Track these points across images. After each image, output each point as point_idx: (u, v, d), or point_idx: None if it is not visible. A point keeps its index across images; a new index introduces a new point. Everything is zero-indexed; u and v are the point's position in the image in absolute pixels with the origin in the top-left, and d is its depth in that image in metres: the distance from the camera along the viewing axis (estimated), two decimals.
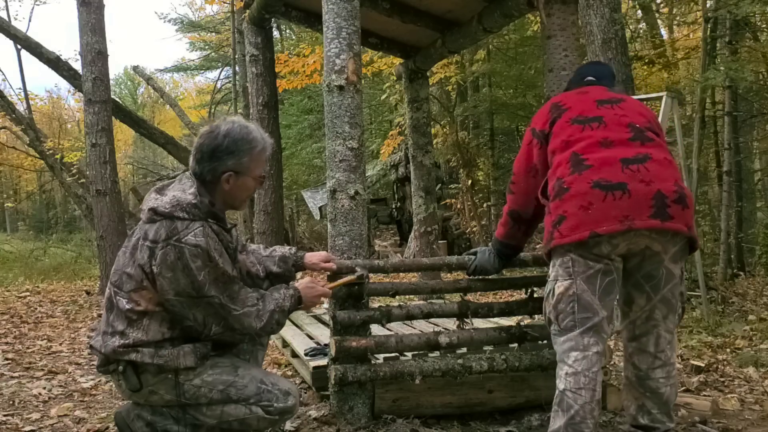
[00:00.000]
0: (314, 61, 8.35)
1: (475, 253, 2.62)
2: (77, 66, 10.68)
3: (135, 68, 19.64)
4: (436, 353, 2.62)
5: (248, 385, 1.99)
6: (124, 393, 2.02)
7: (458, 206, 10.84)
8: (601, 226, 1.95)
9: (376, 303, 2.81)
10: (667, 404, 2.15)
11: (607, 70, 2.53)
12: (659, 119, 3.11)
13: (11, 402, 3.03)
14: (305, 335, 3.65)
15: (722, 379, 3.34)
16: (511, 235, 2.43)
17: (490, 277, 2.64)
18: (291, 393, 2.05)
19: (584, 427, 1.99)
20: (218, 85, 19.89)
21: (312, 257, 2.36)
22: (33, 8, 26.84)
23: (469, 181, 10.43)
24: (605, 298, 2.05)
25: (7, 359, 3.99)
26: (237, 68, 12.62)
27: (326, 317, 3.78)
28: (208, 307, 1.90)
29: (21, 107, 13.13)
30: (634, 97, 2.97)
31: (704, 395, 3.01)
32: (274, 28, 7.33)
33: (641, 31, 9.57)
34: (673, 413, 2.23)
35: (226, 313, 1.92)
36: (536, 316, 3.55)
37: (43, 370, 3.73)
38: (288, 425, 2.58)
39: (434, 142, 8.78)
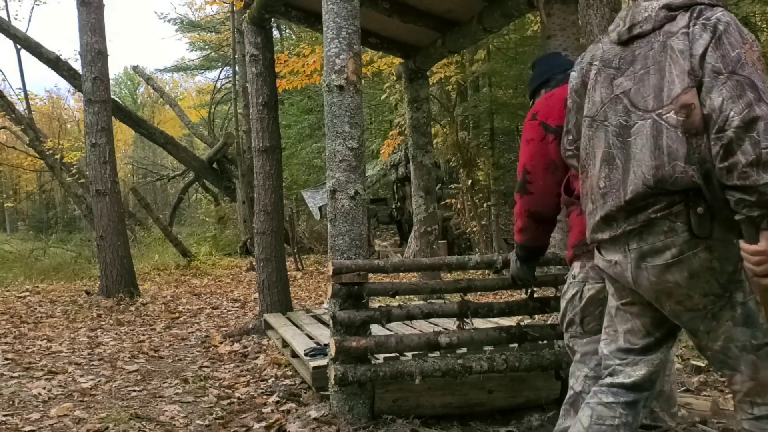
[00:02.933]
0: (314, 61, 8.35)
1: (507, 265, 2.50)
2: (77, 66, 10.71)
3: (135, 68, 19.68)
4: (436, 353, 2.62)
5: None
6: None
7: (458, 206, 10.84)
8: None
9: (376, 303, 2.81)
10: (669, 402, 2.15)
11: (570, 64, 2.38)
12: None
13: (11, 402, 3.02)
14: (305, 335, 3.65)
15: (722, 379, 3.34)
16: (536, 237, 2.26)
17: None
18: None
19: None
20: (218, 85, 19.91)
21: None
22: (33, 8, 26.73)
23: (469, 181, 10.42)
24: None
25: (6, 359, 3.99)
26: (237, 68, 12.64)
27: (326, 317, 3.78)
28: None
29: (21, 107, 13.14)
30: None
31: (704, 395, 3.00)
32: (274, 28, 7.33)
33: None
34: (676, 413, 2.23)
35: None
36: (536, 316, 3.55)
37: (42, 370, 3.73)
38: (289, 425, 2.58)
39: (434, 142, 8.77)
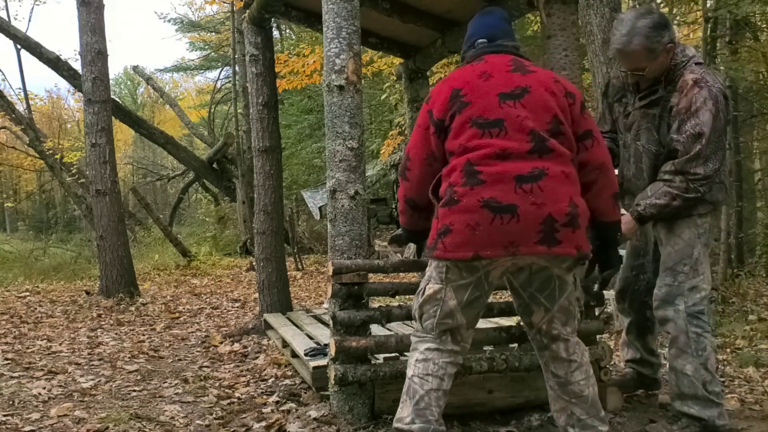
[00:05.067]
0: (314, 61, 8.35)
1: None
2: (77, 66, 10.71)
3: (135, 68, 19.69)
4: None
5: None
6: None
7: None
8: (486, 251, 1.91)
9: (376, 303, 2.81)
10: (594, 406, 2.11)
11: (497, 23, 2.24)
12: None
13: (11, 402, 3.02)
14: (305, 335, 3.65)
15: (722, 379, 3.33)
16: (413, 222, 2.30)
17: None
18: None
19: (429, 414, 2.02)
20: (218, 85, 19.92)
21: None
22: (33, 8, 26.62)
23: None
24: (469, 311, 2.07)
25: (6, 359, 3.99)
26: (237, 68, 12.63)
27: (326, 317, 3.78)
28: None
29: (21, 107, 13.15)
30: None
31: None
32: (274, 28, 7.33)
33: None
34: (606, 417, 2.19)
35: None
36: None
37: (42, 370, 3.73)
38: (289, 425, 2.58)
39: None
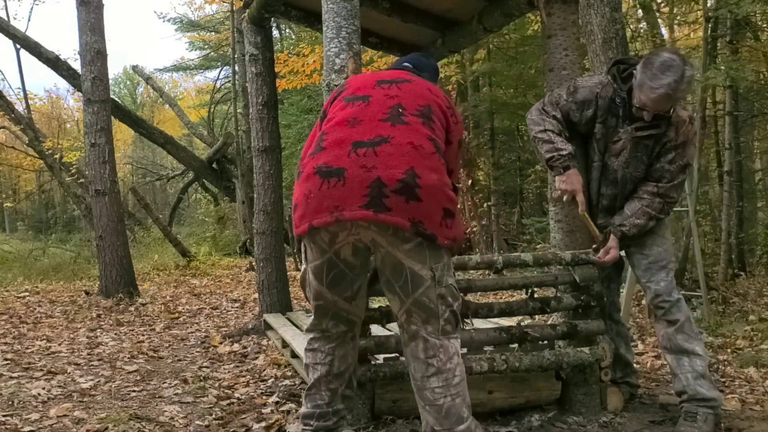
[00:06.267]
0: (314, 61, 8.34)
1: None
2: (76, 65, 10.71)
3: (134, 68, 19.65)
4: None
5: None
6: None
7: (458, 206, 10.83)
8: (316, 218, 1.85)
9: (376, 303, 2.79)
10: (449, 418, 1.90)
11: (429, 65, 2.38)
12: None
13: (10, 402, 3.02)
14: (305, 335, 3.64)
15: (723, 380, 3.34)
16: None
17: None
18: None
19: (318, 399, 2.15)
20: (218, 85, 19.89)
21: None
22: (32, 8, 26.49)
23: (469, 181, 10.40)
24: (338, 288, 2.02)
25: (6, 359, 3.98)
26: (236, 68, 12.62)
27: None
28: None
29: (20, 107, 13.14)
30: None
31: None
32: (273, 28, 7.32)
33: (642, 30, 9.56)
34: None
35: None
36: (536, 316, 3.55)
37: (42, 370, 3.72)
38: (288, 426, 2.58)
39: None
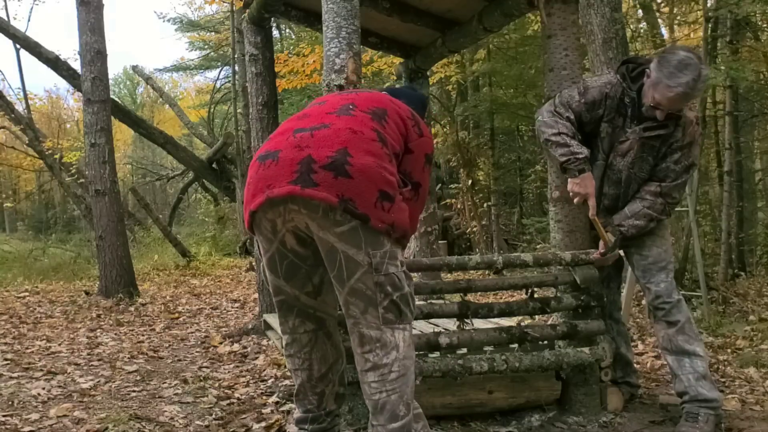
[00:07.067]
0: (314, 61, 8.33)
1: None
2: (76, 65, 10.69)
3: (134, 68, 19.65)
4: (436, 354, 2.61)
5: None
6: None
7: (458, 206, 10.82)
8: (253, 202, 1.84)
9: None
10: (382, 415, 1.83)
11: (408, 93, 2.35)
12: None
13: (10, 402, 3.02)
14: None
15: (723, 380, 3.34)
16: None
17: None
18: None
19: (307, 404, 2.13)
20: (218, 85, 19.89)
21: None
22: (32, 8, 26.45)
23: (470, 181, 10.40)
24: (295, 281, 1.99)
25: (6, 359, 3.98)
26: (236, 68, 12.60)
27: None
28: None
29: (20, 107, 13.13)
30: None
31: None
32: (273, 28, 7.32)
33: (642, 30, 9.56)
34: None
35: None
36: (536, 316, 3.55)
37: (42, 370, 3.72)
38: (288, 426, 2.57)
39: (434, 142, 8.76)
